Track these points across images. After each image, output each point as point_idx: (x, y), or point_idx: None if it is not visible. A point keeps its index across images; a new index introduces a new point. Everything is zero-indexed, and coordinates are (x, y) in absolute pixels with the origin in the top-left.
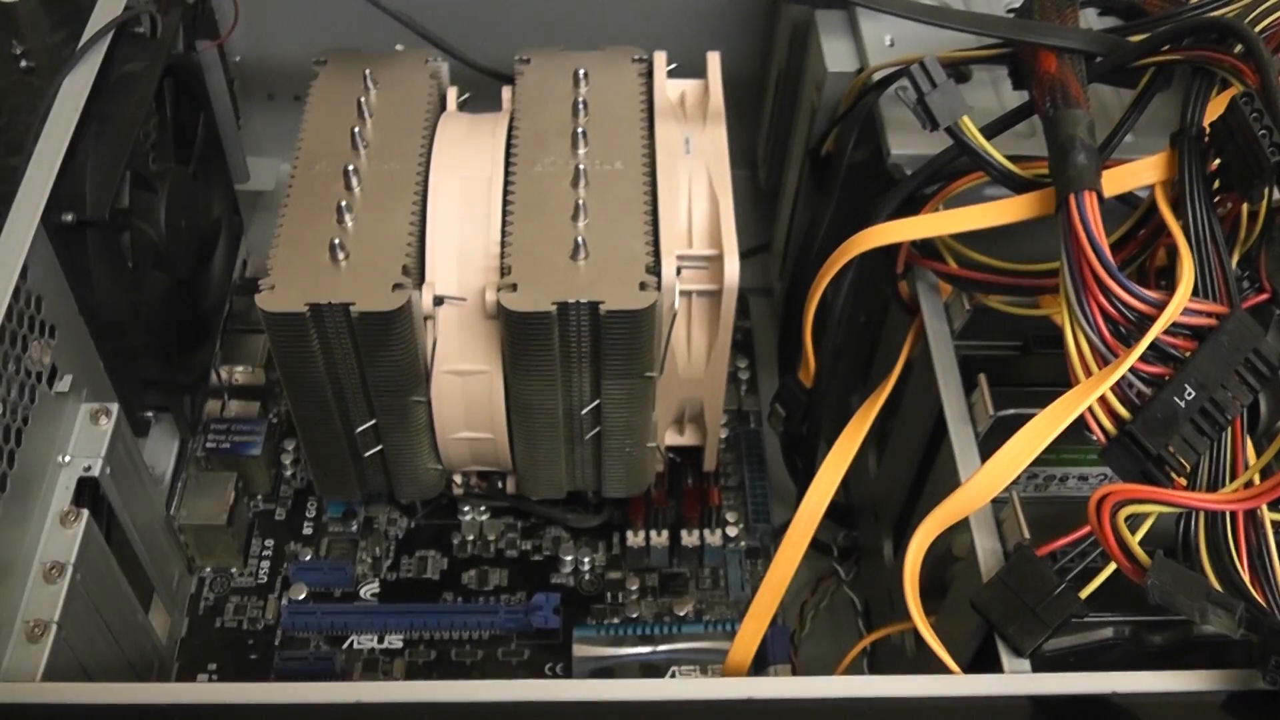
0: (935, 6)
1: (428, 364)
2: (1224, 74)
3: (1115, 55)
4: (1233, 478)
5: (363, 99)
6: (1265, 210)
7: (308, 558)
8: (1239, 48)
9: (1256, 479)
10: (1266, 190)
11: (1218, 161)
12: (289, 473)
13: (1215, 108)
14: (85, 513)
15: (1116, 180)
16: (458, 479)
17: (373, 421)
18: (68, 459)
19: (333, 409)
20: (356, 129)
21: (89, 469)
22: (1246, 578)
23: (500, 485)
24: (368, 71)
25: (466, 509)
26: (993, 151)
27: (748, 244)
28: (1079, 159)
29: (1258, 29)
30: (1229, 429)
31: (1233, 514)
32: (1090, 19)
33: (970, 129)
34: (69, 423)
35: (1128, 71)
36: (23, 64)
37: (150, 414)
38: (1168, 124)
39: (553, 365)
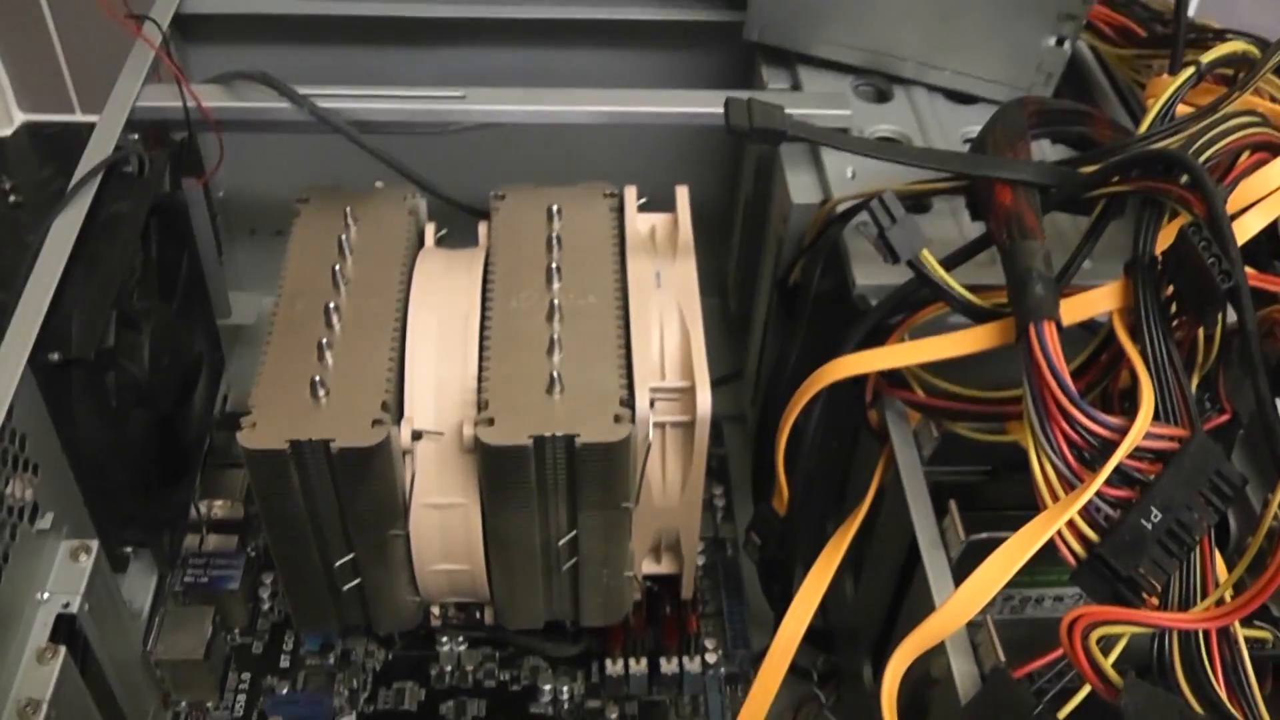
0: (892, 143)
1: (406, 497)
2: (1172, 204)
3: (1067, 186)
4: (1204, 596)
5: (343, 236)
6: (1220, 335)
7: (285, 691)
8: (1185, 178)
9: (1228, 596)
10: (1220, 316)
11: (1172, 288)
12: (266, 606)
13: (1167, 236)
14: (63, 650)
15: (1074, 309)
16: (435, 610)
17: (351, 555)
18: (46, 596)
19: (311, 543)
20: (337, 266)
21: (67, 606)
22: (1223, 695)
23: (478, 615)
24: (348, 209)
25: (444, 639)
26: (953, 284)
27: (720, 371)
28: (1036, 290)
29: (1203, 158)
30: (1197, 548)
31: (1206, 632)
32: (1044, 148)
33: (930, 262)
34: (49, 559)
35: (1081, 201)
36: (11, 199)
37: (129, 549)
38: (1125, 248)
39: (530, 497)
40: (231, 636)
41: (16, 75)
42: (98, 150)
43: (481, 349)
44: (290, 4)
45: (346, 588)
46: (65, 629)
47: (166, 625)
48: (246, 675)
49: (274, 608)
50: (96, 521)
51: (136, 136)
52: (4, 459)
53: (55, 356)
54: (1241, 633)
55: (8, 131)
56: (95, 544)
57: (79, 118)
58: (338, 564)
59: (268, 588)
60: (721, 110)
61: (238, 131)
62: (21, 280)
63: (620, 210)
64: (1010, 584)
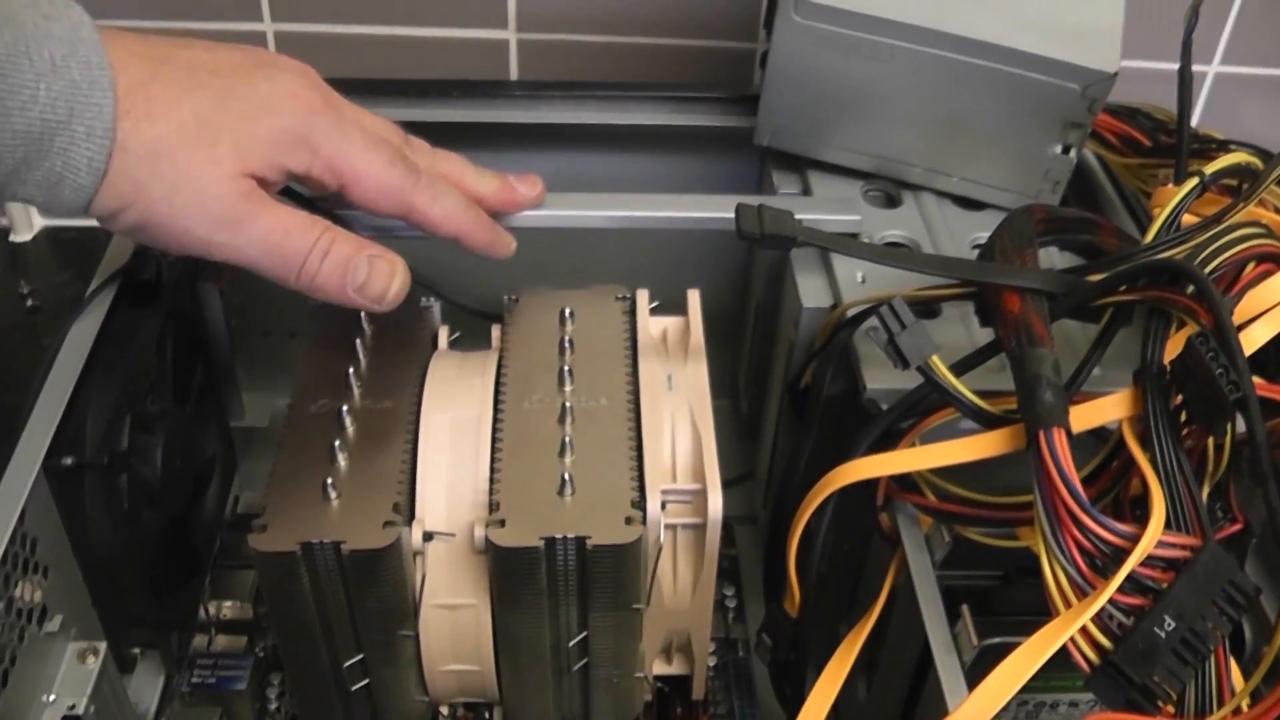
0: (901, 249)
1: (416, 598)
2: (1179, 313)
3: (1075, 295)
4: (1220, 704)
5: (358, 340)
6: (1229, 444)
7: None
8: (1191, 288)
9: (1245, 704)
10: (1229, 425)
11: (1181, 397)
12: (273, 706)
13: (1175, 345)
14: None
15: (1084, 416)
16: (444, 710)
17: (360, 655)
18: (52, 698)
19: (321, 644)
20: (351, 369)
21: (73, 708)
22: None
23: (487, 715)
24: (362, 312)
25: None
26: (963, 390)
27: (731, 473)
28: (1046, 397)
29: (1209, 269)
30: (1212, 657)
31: None
32: (1052, 256)
33: (940, 368)
34: (56, 662)
35: (1089, 309)
36: (29, 303)
37: (137, 650)
38: (1135, 356)
39: (540, 599)
40: None
41: None
42: (116, 257)
43: (493, 451)
44: None
45: (355, 688)
46: None
47: None
48: None
49: (281, 708)
50: (105, 623)
51: None
52: (14, 563)
53: (69, 461)
54: None
55: (28, 237)
56: (103, 646)
57: (97, 224)
58: (347, 664)
59: (275, 688)
60: (733, 215)
61: None
62: (37, 384)
63: (632, 313)
64: (1025, 689)
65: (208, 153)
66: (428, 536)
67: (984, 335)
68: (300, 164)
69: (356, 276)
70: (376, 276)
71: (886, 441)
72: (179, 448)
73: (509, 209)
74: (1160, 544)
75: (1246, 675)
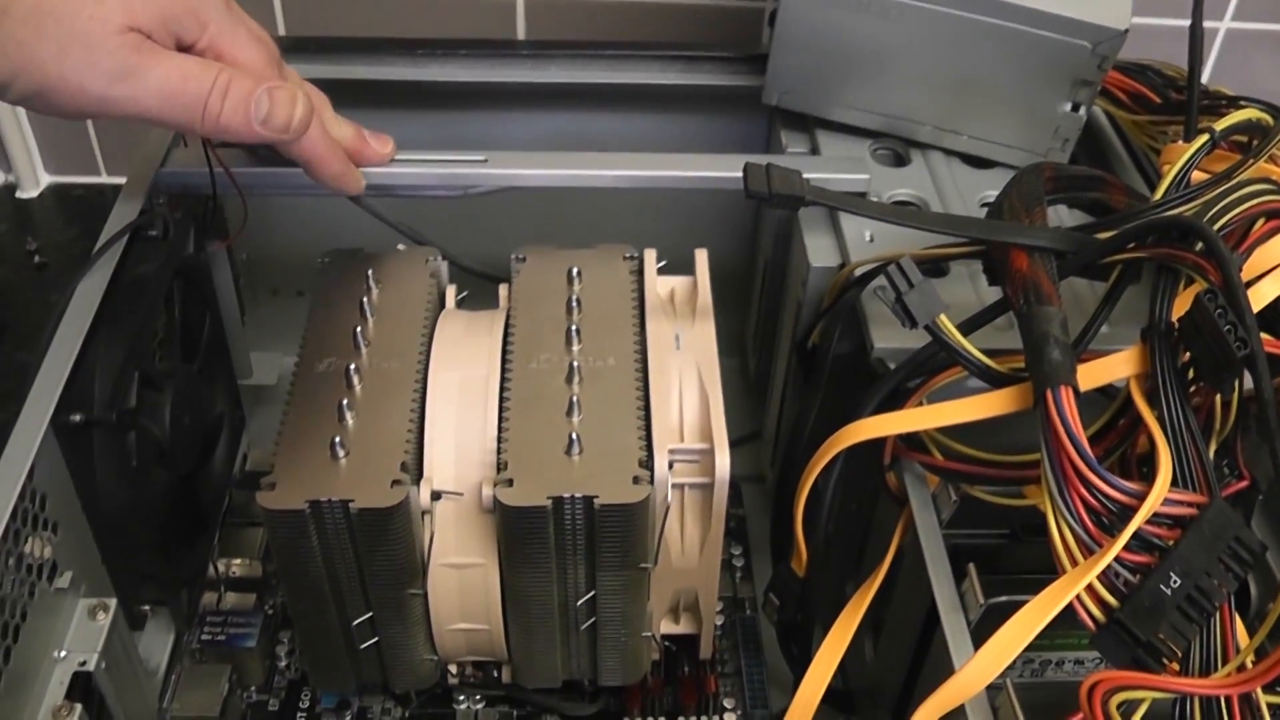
0: (910, 208)
1: (425, 557)
2: (1188, 270)
3: (1083, 253)
4: (1225, 661)
5: (365, 299)
6: (1237, 401)
7: None
8: (1200, 245)
9: (1249, 661)
10: (1236, 382)
11: (1189, 354)
12: (283, 664)
13: (1183, 302)
14: (79, 708)
15: (1091, 375)
16: (453, 668)
17: (369, 614)
18: (63, 654)
19: (330, 602)
20: (359, 328)
21: (84, 663)
22: None
23: (495, 674)
24: (370, 271)
25: (462, 698)
26: (970, 348)
27: (739, 432)
28: (1053, 355)
29: (1217, 226)
30: (1218, 614)
31: (1228, 698)
32: (1061, 214)
33: (948, 326)
34: (66, 618)
35: (1098, 267)
36: (36, 260)
37: (147, 607)
38: (1142, 314)
39: (548, 558)
40: (248, 694)
41: (44, 137)
42: (123, 213)
43: (501, 410)
44: (313, 69)
45: (364, 646)
46: (82, 687)
47: (183, 683)
48: None
49: (291, 665)
50: (115, 580)
51: (163, 200)
52: (24, 519)
53: (77, 418)
54: (1264, 699)
55: (34, 193)
56: (113, 602)
57: (104, 179)
58: (355, 623)
59: (285, 645)
60: (741, 175)
61: (262, 194)
62: (45, 341)
63: (640, 273)
64: (1030, 647)
65: (93, 9)
66: (436, 495)
67: (992, 294)
68: (188, 34)
69: (260, 110)
70: (279, 106)
71: (894, 400)
72: (187, 405)
73: (356, 160)
74: (1167, 501)
75: (1251, 632)
